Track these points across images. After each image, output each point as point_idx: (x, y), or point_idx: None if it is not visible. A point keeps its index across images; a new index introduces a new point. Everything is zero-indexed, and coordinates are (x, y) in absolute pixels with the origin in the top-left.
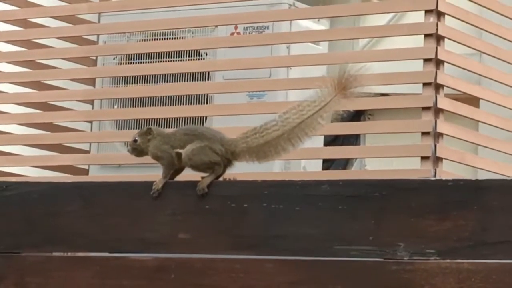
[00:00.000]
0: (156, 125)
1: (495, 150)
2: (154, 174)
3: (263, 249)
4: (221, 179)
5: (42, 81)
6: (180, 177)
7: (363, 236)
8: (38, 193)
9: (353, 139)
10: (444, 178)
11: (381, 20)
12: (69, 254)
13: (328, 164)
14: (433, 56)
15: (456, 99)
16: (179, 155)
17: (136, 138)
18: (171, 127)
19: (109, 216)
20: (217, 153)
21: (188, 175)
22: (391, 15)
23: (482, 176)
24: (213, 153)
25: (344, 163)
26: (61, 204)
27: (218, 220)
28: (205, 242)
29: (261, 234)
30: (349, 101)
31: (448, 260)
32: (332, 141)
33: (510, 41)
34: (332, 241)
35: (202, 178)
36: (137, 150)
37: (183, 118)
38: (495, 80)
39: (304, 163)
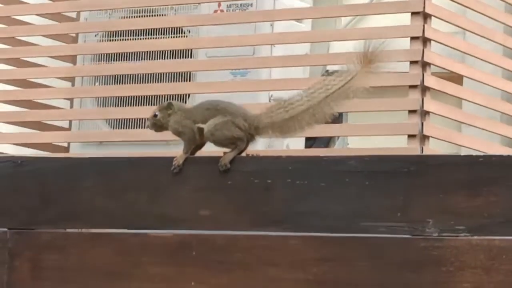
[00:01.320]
0: (138, 103)
1: (480, 128)
2: (137, 152)
3: (287, 226)
4: (243, 154)
5: (22, 59)
6: (201, 153)
7: (391, 213)
8: (55, 169)
9: (335, 118)
10: (474, 154)
11: None
12: (84, 230)
13: (310, 142)
14: (420, 34)
15: (440, 78)
16: (200, 130)
17: (156, 113)
18: (153, 105)
19: (128, 192)
20: (240, 128)
21: (210, 150)
22: None
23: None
24: (236, 128)
25: (327, 141)
26: (78, 179)
27: (240, 196)
28: (227, 218)
29: (285, 211)
30: (375, 75)
31: (478, 237)
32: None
33: (495, 19)
34: (359, 217)
35: (225, 153)
36: (156, 125)
37: (166, 96)
38: (481, 59)
39: (288, 141)
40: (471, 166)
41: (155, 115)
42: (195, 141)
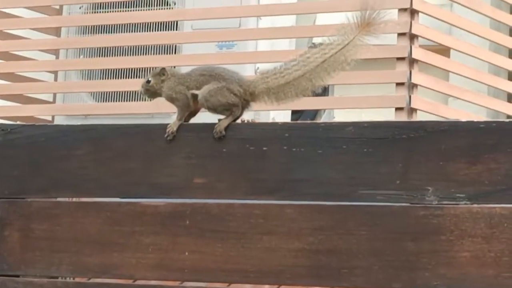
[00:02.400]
0: (123, 75)
1: (467, 101)
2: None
3: (284, 194)
4: (239, 121)
5: (4, 30)
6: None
7: (389, 180)
8: (45, 136)
9: (321, 90)
10: (476, 120)
11: None
12: (75, 199)
13: (296, 115)
14: (408, 6)
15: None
16: (194, 96)
17: (149, 79)
18: (138, 78)
19: (120, 160)
20: (235, 94)
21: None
22: None
23: None
24: (231, 94)
25: (313, 115)
26: (69, 147)
27: (236, 163)
28: (222, 186)
29: (281, 178)
30: (374, 38)
31: (479, 205)
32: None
33: None
34: (356, 185)
35: (219, 120)
36: (150, 91)
37: (151, 68)
38: (468, 31)
39: (273, 115)
40: (472, 133)
41: (148, 81)
42: (189, 108)
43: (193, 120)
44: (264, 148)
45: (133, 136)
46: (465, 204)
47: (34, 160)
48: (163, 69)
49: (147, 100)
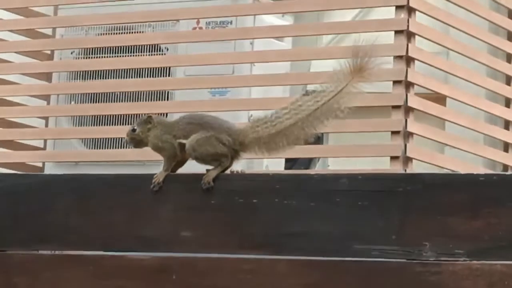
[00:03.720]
0: (115, 122)
1: (463, 150)
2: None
3: (274, 249)
4: (228, 172)
5: None
6: (183, 170)
7: (385, 235)
8: (27, 186)
9: (315, 139)
10: (475, 173)
11: (346, 15)
12: (58, 252)
13: (290, 164)
14: (403, 54)
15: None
16: (182, 145)
17: (135, 127)
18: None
19: (104, 212)
20: (224, 144)
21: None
22: (356, 10)
23: None
24: (219, 143)
25: (307, 163)
26: (53, 198)
27: (224, 216)
28: (210, 240)
29: (272, 232)
30: (367, 84)
31: (479, 262)
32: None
33: (479, 39)
34: (351, 240)
35: (208, 170)
36: (135, 140)
37: (143, 115)
38: (464, 79)
39: (267, 162)
40: (471, 186)
41: (133, 130)
42: (176, 158)
43: (181, 171)
44: (254, 201)
45: (118, 186)
46: (464, 260)
47: (16, 211)
48: (150, 117)
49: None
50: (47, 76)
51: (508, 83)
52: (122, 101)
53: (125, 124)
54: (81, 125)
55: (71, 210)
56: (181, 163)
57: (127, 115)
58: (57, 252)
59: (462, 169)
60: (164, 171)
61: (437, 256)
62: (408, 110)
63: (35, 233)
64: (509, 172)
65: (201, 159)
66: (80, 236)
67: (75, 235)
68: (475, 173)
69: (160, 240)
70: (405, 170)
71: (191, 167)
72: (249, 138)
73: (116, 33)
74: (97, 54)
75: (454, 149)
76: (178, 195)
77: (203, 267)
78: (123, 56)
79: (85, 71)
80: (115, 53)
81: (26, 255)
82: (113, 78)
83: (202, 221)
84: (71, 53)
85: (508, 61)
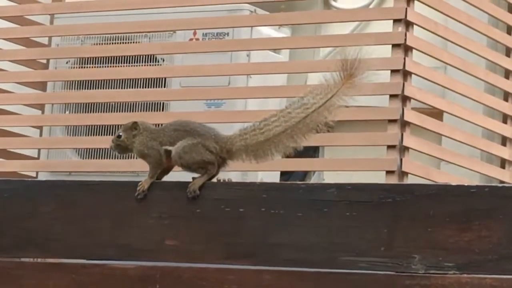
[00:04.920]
0: (109, 132)
1: (459, 166)
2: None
3: (261, 259)
4: (214, 180)
5: None
6: (168, 177)
7: (373, 247)
8: (9, 192)
9: (311, 152)
10: (466, 184)
11: (344, 29)
12: (40, 260)
13: (285, 177)
14: (400, 67)
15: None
16: (168, 152)
17: (120, 134)
18: None
19: (87, 219)
20: (211, 151)
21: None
22: (355, 23)
23: None
24: (206, 151)
25: (303, 176)
26: (35, 204)
27: (210, 225)
28: (195, 249)
29: (258, 242)
30: (357, 90)
31: (469, 275)
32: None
33: (477, 54)
34: (338, 251)
35: (194, 178)
36: (120, 146)
37: None
38: (462, 94)
39: (262, 175)
40: (462, 197)
41: (118, 136)
42: (162, 165)
43: (166, 178)
44: (241, 210)
45: (101, 193)
46: (454, 273)
47: None
48: (135, 123)
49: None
50: (42, 85)
51: (505, 99)
52: (117, 111)
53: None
54: (75, 135)
55: (54, 217)
56: (167, 170)
57: (121, 126)
58: (39, 260)
59: None
60: (150, 178)
61: (426, 269)
62: (404, 124)
63: (16, 240)
64: (500, 185)
65: (187, 167)
66: (62, 244)
67: (58, 242)
68: (466, 184)
69: (143, 249)
70: None
71: (176, 174)
72: (236, 145)
73: (112, 43)
74: (92, 64)
75: (450, 164)
76: (163, 203)
77: (187, 277)
78: (118, 66)
79: (80, 81)
80: (110, 63)
81: (7, 262)
82: (109, 88)
83: (187, 230)
84: (66, 62)
85: (506, 76)
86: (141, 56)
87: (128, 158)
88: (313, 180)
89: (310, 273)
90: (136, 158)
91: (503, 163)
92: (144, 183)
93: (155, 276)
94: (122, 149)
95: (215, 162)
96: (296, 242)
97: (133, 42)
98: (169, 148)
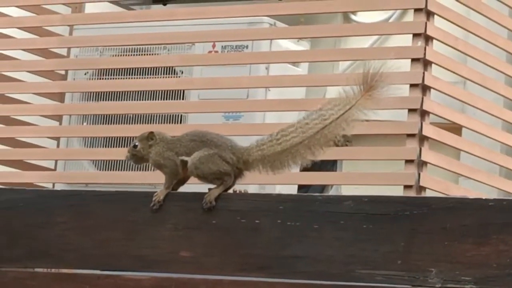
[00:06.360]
0: (126, 144)
1: (478, 181)
2: None
3: (276, 271)
4: (230, 191)
5: (6, 94)
6: (184, 188)
7: (390, 260)
8: (24, 201)
9: (329, 165)
10: (484, 197)
11: (363, 43)
12: (53, 270)
13: (303, 190)
14: (419, 82)
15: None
16: (184, 163)
17: (136, 144)
18: None
19: (102, 230)
20: (227, 162)
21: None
22: (374, 37)
23: None
24: (222, 162)
25: (320, 190)
26: (49, 214)
27: (225, 237)
28: (210, 261)
29: (274, 254)
30: (376, 103)
31: None
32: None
33: (497, 69)
34: (354, 264)
35: (210, 189)
36: (136, 156)
37: None
38: (481, 109)
39: (279, 189)
40: (480, 211)
41: (134, 146)
42: (178, 175)
43: (182, 189)
44: (257, 221)
45: (116, 204)
46: None
47: (10, 227)
48: (151, 133)
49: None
50: (60, 96)
51: None
52: (135, 123)
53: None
54: (92, 147)
55: (68, 227)
56: (183, 181)
57: None
58: (52, 270)
59: None
60: (165, 189)
61: (443, 283)
62: (422, 138)
63: (30, 250)
64: None
65: (203, 177)
66: (76, 254)
67: (71, 252)
68: (483, 197)
69: (158, 260)
70: None
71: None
72: (253, 156)
73: (131, 55)
74: (111, 75)
75: (469, 179)
76: (178, 214)
77: None
78: (137, 78)
79: (98, 92)
80: (129, 74)
81: (20, 272)
82: (127, 99)
83: (202, 241)
84: (85, 73)
85: None
86: (160, 68)
87: (147, 170)
88: (331, 193)
89: (326, 286)
90: (153, 169)
91: None
92: (160, 194)
93: None
94: (138, 159)
95: (231, 173)
96: (312, 255)
97: (152, 54)
98: (186, 158)
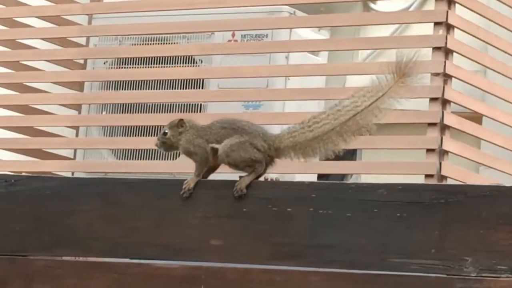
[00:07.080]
0: (145, 133)
1: (498, 170)
2: None
3: (308, 260)
4: (261, 178)
5: (25, 83)
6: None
7: (424, 249)
8: (51, 189)
9: (349, 155)
10: None
11: (383, 31)
12: (81, 258)
13: (323, 179)
14: (441, 71)
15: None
16: (214, 150)
17: (166, 131)
18: None
19: (131, 218)
20: (258, 150)
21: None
22: (394, 26)
23: None
24: (254, 149)
25: (340, 179)
26: (77, 202)
27: (257, 225)
28: (241, 250)
29: (306, 243)
30: (408, 90)
31: None
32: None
33: None
34: (388, 253)
35: (241, 177)
36: (166, 144)
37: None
38: (502, 98)
39: (299, 178)
40: None
41: (164, 133)
42: (208, 163)
43: (212, 177)
44: (288, 209)
45: (145, 191)
46: (507, 277)
47: (38, 215)
48: (181, 120)
49: (170, 159)
50: (79, 86)
51: None
52: (154, 112)
53: (156, 135)
54: (111, 136)
55: (96, 215)
56: (213, 168)
57: (158, 127)
58: (80, 259)
59: None
60: (196, 176)
61: (478, 272)
62: (444, 128)
63: (58, 238)
64: None
65: (234, 165)
66: (104, 243)
67: (100, 241)
68: None
69: (188, 249)
70: None
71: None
72: (284, 143)
73: (150, 44)
74: (130, 64)
75: (490, 168)
76: (209, 202)
77: (232, 278)
78: (156, 67)
79: (118, 81)
80: (148, 63)
81: (48, 261)
82: (146, 88)
83: (233, 229)
84: (104, 63)
85: None
86: (179, 57)
87: (167, 159)
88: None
89: (359, 275)
90: (176, 158)
91: None
92: (190, 182)
93: (200, 277)
94: (167, 146)
95: (262, 160)
96: (344, 243)
97: (171, 43)
98: (216, 146)
